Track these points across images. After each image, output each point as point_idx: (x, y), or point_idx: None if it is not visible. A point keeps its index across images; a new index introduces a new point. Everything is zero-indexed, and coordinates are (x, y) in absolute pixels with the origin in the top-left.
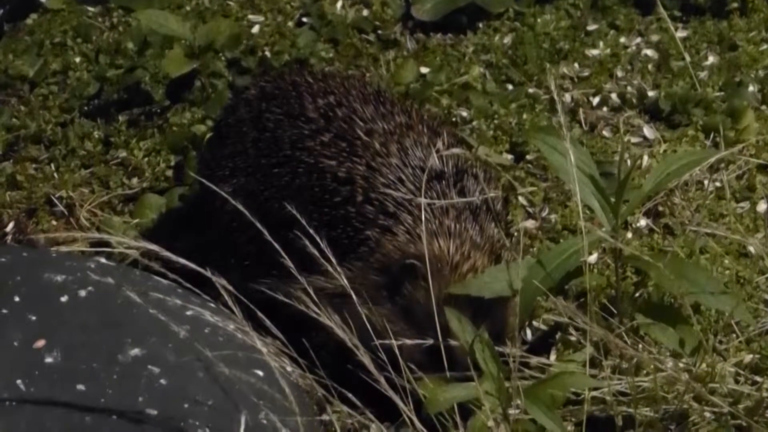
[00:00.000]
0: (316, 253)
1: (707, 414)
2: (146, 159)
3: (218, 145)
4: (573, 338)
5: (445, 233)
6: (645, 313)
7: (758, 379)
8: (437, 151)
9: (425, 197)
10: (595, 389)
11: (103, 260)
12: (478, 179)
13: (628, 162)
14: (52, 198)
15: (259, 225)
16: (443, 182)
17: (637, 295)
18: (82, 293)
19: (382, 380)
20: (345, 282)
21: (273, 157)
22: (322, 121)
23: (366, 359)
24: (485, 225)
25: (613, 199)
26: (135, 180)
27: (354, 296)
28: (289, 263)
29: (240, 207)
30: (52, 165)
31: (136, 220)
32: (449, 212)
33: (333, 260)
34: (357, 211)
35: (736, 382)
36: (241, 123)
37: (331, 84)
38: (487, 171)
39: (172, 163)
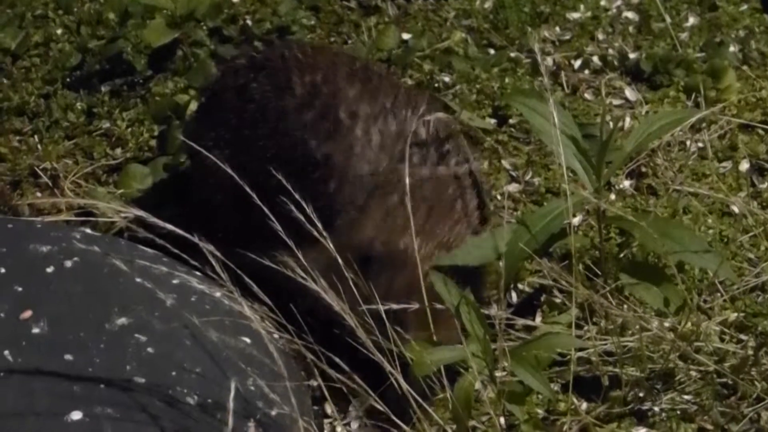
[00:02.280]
0: (302, 217)
1: (693, 372)
2: (129, 129)
3: (203, 114)
4: (558, 300)
5: (412, 230)
6: (629, 273)
7: (743, 337)
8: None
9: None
10: (581, 350)
11: (88, 230)
12: (460, 182)
13: (610, 124)
14: (36, 170)
15: (248, 189)
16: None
17: (621, 255)
18: (68, 263)
19: (369, 343)
20: (331, 246)
21: (257, 128)
22: (308, 97)
23: (352, 323)
24: (459, 224)
25: (595, 161)
26: (119, 150)
27: (340, 261)
28: (277, 226)
29: (229, 171)
30: (36, 137)
31: (121, 190)
32: (420, 208)
33: (318, 225)
34: (332, 194)
35: (722, 340)
36: (227, 92)
37: (319, 60)
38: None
39: (156, 133)
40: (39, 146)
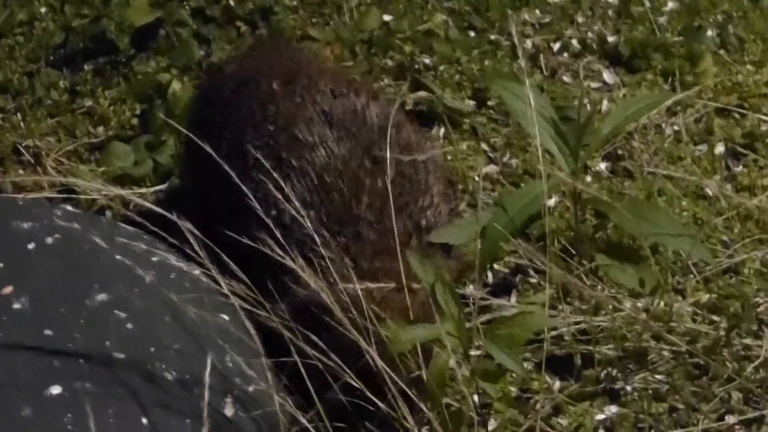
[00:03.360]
0: (280, 196)
1: (665, 353)
2: (112, 108)
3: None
4: (533, 280)
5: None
6: (605, 254)
7: (715, 318)
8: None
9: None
10: (555, 329)
11: (69, 207)
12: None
13: (588, 107)
14: (19, 147)
15: (227, 167)
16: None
17: (596, 236)
18: (49, 240)
19: (346, 321)
20: (309, 225)
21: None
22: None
23: (329, 300)
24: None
25: (572, 143)
26: (101, 129)
27: (317, 239)
28: (256, 205)
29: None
30: (19, 114)
31: (103, 168)
32: (365, 249)
33: (296, 203)
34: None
35: (694, 321)
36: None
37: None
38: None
39: (138, 112)
40: (22, 124)
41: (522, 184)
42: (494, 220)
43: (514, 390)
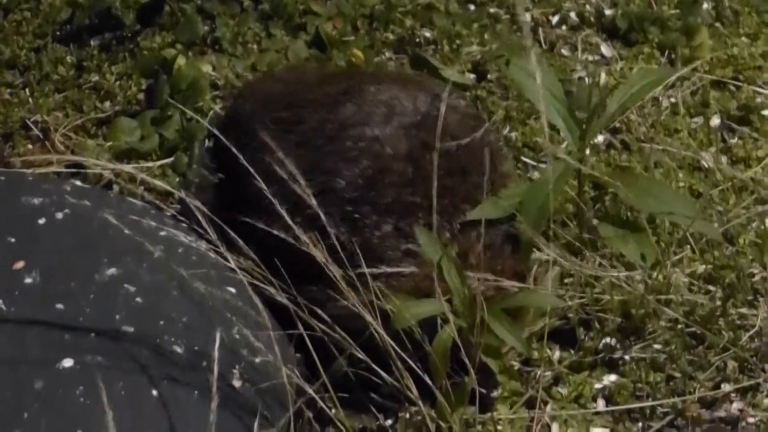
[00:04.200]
0: (284, 175)
1: (662, 323)
2: (118, 83)
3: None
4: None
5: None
6: (608, 226)
7: (711, 288)
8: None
9: None
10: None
11: (78, 183)
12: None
13: (586, 80)
14: (28, 122)
15: (235, 151)
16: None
17: (595, 208)
18: (59, 215)
19: (352, 296)
20: (314, 203)
21: None
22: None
23: (335, 273)
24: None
25: (583, 123)
26: (107, 104)
27: (323, 218)
28: (262, 184)
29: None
30: (27, 90)
31: (110, 143)
32: None
33: (302, 182)
34: None
35: (690, 291)
36: None
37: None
38: None
39: (143, 87)
40: (30, 99)
41: (522, 157)
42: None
43: (516, 363)
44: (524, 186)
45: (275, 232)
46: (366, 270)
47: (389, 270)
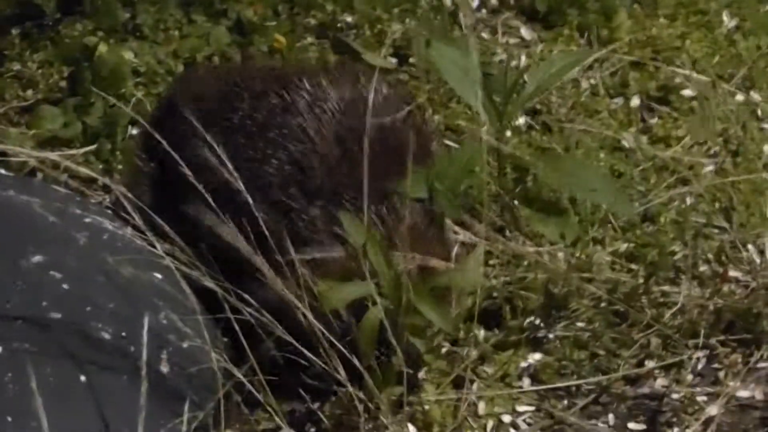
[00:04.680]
0: (214, 161)
1: (585, 301)
2: (40, 71)
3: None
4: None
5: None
6: (527, 207)
7: (633, 267)
8: None
9: None
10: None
11: (2, 171)
12: None
13: (507, 63)
14: None
15: (159, 138)
16: None
17: (516, 190)
18: None
19: (279, 283)
20: (241, 186)
21: None
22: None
23: (259, 262)
24: None
25: (501, 103)
26: (30, 92)
27: (250, 201)
28: (187, 171)
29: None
30: None
31: (33, 131)
32: None
33: (230, 166)
34: None
35: (613, 270)
36: None
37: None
38: None
39: (65, 75)
40: None
41: (444, 140)
42: (439, 180)
43: (444, 344)
44: (443, 161)
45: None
46: (294, 256)
47: (318, 255)
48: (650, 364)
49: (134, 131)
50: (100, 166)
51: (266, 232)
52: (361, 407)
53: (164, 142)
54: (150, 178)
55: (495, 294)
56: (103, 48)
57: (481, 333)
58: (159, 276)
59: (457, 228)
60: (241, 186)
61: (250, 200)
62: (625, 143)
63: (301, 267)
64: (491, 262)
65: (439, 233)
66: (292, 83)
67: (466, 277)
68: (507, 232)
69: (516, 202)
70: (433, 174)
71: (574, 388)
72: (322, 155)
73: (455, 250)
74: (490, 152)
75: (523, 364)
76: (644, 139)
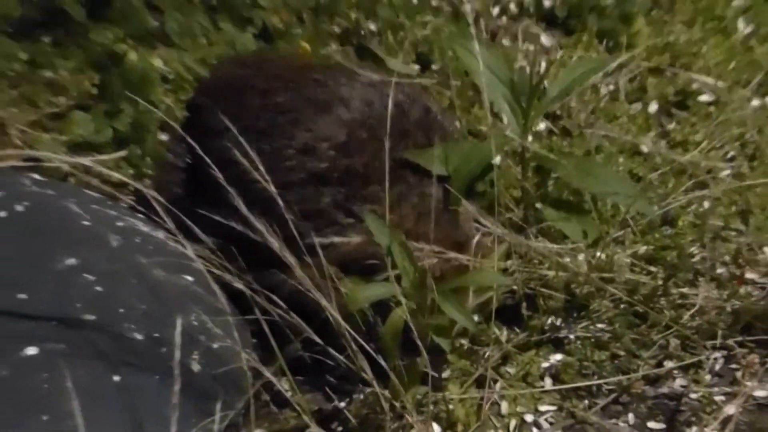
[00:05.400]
0: (246, 163)
1: (606, 302)
2: (71, 78)
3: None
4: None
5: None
6: (550, 206)
7: (653, 268)
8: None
9: None
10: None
11: (37, 176)
12: None
13: (527, 69)
14: None
15: (190, 140)
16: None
17: (539, 192)
18: (19, 207)
19: (307, 281)
20: (273, 189)
21: None
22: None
23: (290, 260)
24: None
25: (525, 105)
26: (61, 98)
27: (279, 201)
28: (219, 174)
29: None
30: None
31: (65, 137)
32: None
33: (261, 167)
34: None
35: (633, 271)
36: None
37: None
38: None
39: (96, 81)
40: None
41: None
42: (458, 169)
43: (465, 342)
44: (465, 144)
45: (232, 224)
46: (316, 240)
47: (337, 240)
48: (669, 364)
49: (164, 136)
50: (131, 171)
51: (292, 228)
52: (386, 406)
53: (192, 142)
54: (180, 179)
55: (515, 288)
56: (132, 55)
57: (504, 333)
58: (190, 278)
59: (477, 221)
60: (272, 188)
61: (280, 202)
62: (644, 148)
63: (324, 259)
64: (509, 262)
65: (452, 222)
66: (309, 83)
67: (489, 276)
68: (528, 233)
69: (539, 205)
70: (456, 152)
71: (595, 388)
72: (346, 151)
73: (475, 238)
74: (513, 154)
75: (545, 365)
76: (663, 143)
